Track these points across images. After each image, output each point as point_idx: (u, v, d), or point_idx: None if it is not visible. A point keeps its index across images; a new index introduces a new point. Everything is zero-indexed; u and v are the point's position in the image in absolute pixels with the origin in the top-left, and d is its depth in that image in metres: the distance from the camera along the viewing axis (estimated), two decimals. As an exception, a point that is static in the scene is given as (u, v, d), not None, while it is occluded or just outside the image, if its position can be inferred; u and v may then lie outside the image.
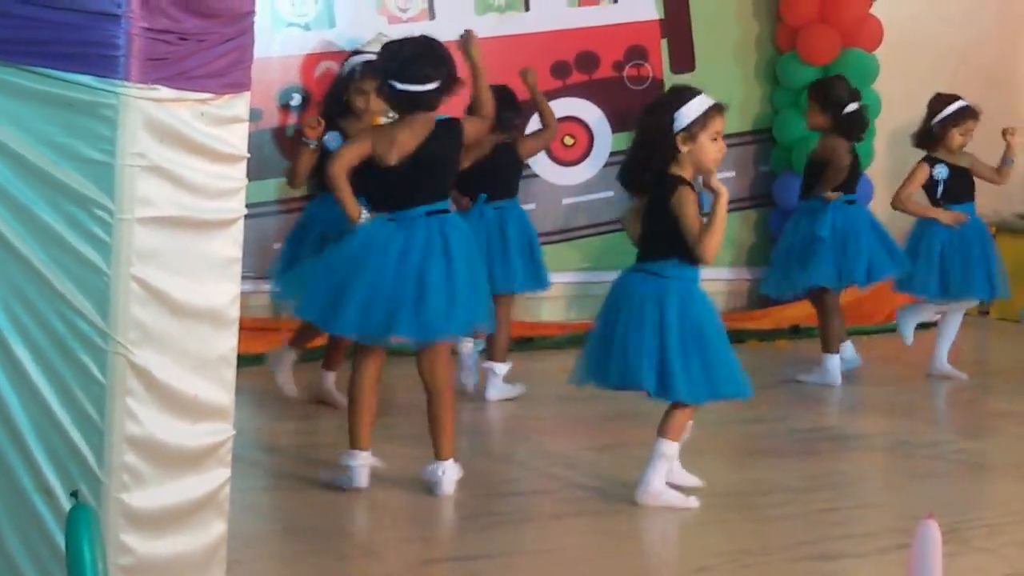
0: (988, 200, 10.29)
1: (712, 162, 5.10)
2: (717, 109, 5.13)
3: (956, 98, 7.68)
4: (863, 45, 9.09)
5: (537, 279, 7.10)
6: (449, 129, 5.29)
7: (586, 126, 8.74)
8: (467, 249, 5.30)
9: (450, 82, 5.22)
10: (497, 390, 7.00)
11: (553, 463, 5.87)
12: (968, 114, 7.63)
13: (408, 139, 5.22)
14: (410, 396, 6.97)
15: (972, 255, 7.63)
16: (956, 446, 6.41)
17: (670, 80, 8.80)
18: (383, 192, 5.26)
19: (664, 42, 8.92)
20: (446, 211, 5.31)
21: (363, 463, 5.31)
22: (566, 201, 8.72)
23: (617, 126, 8.77)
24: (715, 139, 5.10)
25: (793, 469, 5.83)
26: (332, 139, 6.32)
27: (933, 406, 7.39)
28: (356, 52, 7.02)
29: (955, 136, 7.60)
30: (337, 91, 6.67)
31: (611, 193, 8.63)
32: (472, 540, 4.79)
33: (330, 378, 6.73)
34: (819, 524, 5.12)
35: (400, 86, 5.17)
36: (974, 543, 4.86)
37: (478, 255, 5.46)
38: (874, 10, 9.16)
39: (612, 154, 8.75)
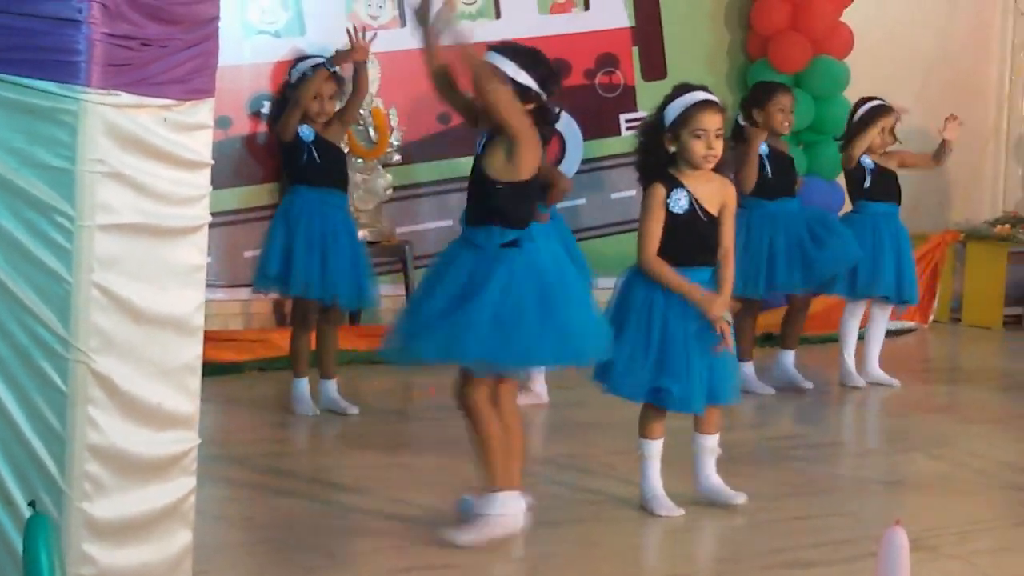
0: (959, 209, 10.38)
1: (700, 159, 5.02)
2: (700, 106, 5.07)
3: (873, 99, 7.72)
4: (834, 53, 9.11)
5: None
6: None
7: (558, 134, 8.72)
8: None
9: None
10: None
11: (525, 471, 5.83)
12: (883, 112, 7.64)
13: None
14: (378, 401, 6.96)
15: (885, 255, 7.63)
16: (927, 454, 6.40)
17: (642, 88, 8.80)
18: None
19: (635, 50, 8.92)
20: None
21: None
22: (538, 209, 8.69)
23: (589, 134, 8.76)
24: (699, 136, 5.03)
25: (765, 477, 5.82)
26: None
27: (905, 415, 7.38)
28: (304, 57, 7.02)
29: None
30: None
31: (583, 201, 8.62)
32: (444, 549, 4.75)
33: (332, 386, 6.71)
34: (791, 532, 5.10)
35: None
36: (944, 550, 4.85)
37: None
38: (844, 18, 9.19)
39: (584, 161, 8.74)
